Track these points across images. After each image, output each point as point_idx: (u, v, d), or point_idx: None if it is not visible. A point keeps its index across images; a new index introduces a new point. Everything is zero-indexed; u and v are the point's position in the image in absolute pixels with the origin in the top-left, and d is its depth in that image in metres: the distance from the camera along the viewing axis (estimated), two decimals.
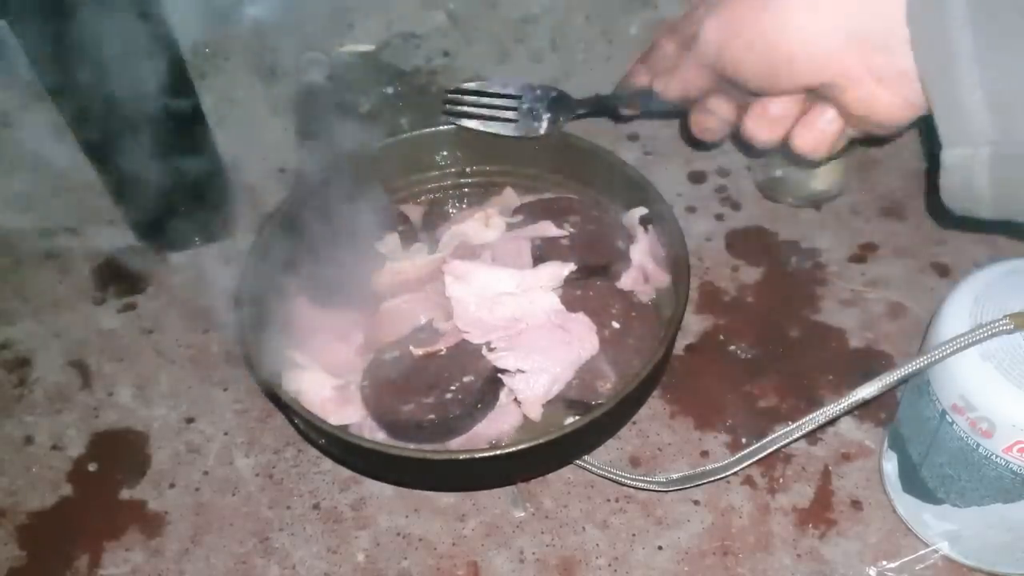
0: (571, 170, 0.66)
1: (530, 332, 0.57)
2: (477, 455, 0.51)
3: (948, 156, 0.36)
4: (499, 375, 0.56)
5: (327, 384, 0.56)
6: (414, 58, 0.85)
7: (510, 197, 0.67)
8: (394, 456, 0.51)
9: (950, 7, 0.34)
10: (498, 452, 0.50)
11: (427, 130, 0.67)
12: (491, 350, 0.56)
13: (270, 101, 0.81)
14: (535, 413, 0.55)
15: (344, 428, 0.54)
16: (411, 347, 0.57)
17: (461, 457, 0.52)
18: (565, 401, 0.56)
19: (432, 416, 0.54)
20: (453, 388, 0.55)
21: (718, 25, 0.44)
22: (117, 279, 0.71)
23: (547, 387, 0.55)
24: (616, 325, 0.58)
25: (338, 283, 0.61)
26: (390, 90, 0.82)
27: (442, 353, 0.57)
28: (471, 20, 0.88)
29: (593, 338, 0.56)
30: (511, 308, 0.57)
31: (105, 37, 0.59)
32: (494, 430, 0.56)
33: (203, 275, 0.70)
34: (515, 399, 0.56)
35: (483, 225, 0.64)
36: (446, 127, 0.67)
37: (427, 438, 0.54)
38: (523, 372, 0.55)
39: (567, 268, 0.58)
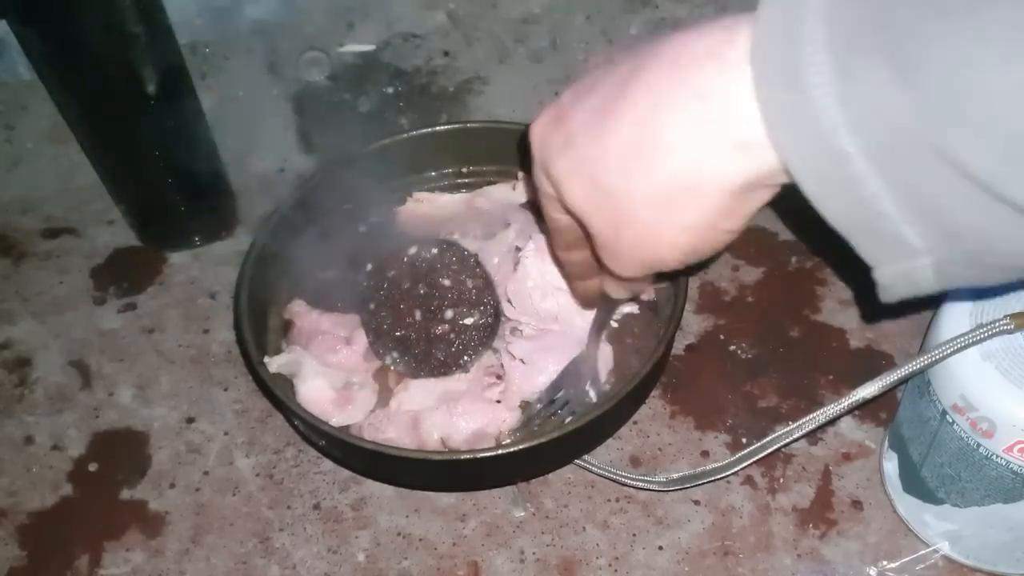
0: None
1: (555, 336, 0.57)
2: (478, 455, 0.51)
3: (883, 275, 0.31)
4: (498, 350, 0.58)
5: (328, 385, 0.56)
6: (414, 58, 0.85)
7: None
8: (393, 456, 0.51)
9: (847, 160, 0.27)
10: (498, 452, 0.51)
11: (425, 130, 0.67)
12: (513, 332, 0.57)
13: (270, 101, 0.81)
14: (512, 405, 0.56)
15: (345, 429, 0.54)
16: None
17: (462, 457, 0.52)
18: (562, 401, 0.57)
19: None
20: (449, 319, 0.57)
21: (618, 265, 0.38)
22: (117, 279, 0.71)
23: (538, 388, 0.56)
24: (614, 325, 0.59)
25: (340, 285, 0.61)
26: (390, 90, 0.82)
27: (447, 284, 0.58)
28: (471, 20, 0.88)
29: (603, 373, 0.57)
30: (557, 307, 0.58)
31: (105, 37, 0.59)
32: (492, 428, 0.56)
33: (203, 275, 0.70)
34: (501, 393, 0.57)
35: (511, 189, 0.66)
36: (443, 127, 0.67)
37: (408, 353, 0.57)
38: (524, 364, 0.55)
39: (632, 306, 0.59)
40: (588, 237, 0.38)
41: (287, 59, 0.83)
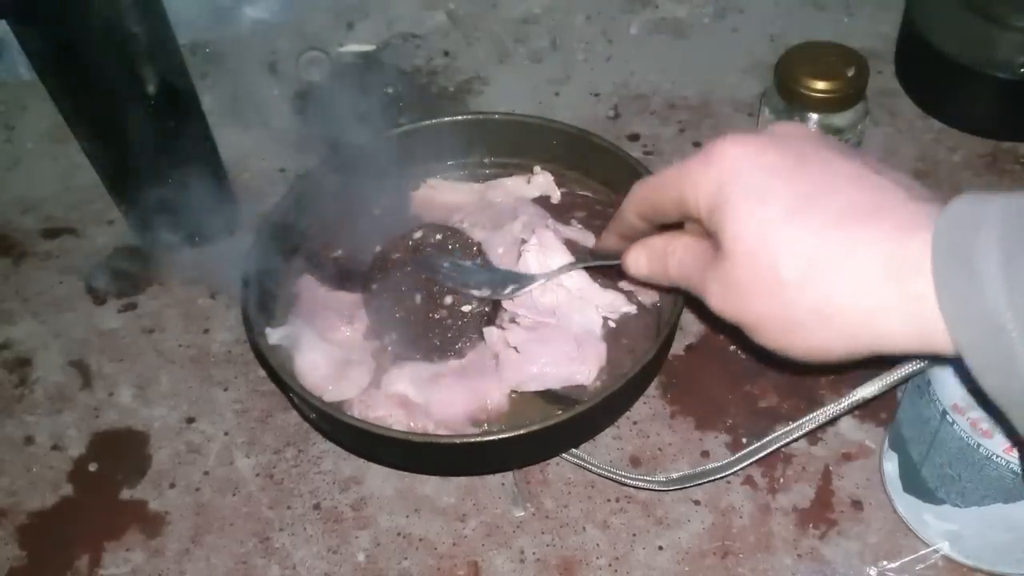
0: (588, 167, 0.67)
1: (552, 329, 0.57)
2: (456, 440, 0.52)
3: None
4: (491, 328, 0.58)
5: (325, 360, 0.57)
6: (414, 58, 0.85)
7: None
8: (378, 435, 0.51)
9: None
10: (483, 439, 0.51)
11: (446, 119, 0.67)
12: (511, 321, 0.58)
13: (270, 101, 0.81)
14: (500, 393, 0.56)
15: (337, 405, 0.55)
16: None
17: (443, 441, 0.52)
18: (551, 396, 0.57)
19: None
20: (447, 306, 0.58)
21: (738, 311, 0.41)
22: (117, 279, 0.71)
23: (527, 378, 0.56)
24: (612, 325, 0.59)
25: (348, 264, 0.61)
26: (390, 90, 0.83)
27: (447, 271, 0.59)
28: (471, 20, 0.88)
29: (594, 372, 0.57)
30: (556, 301, 0.58)
31: (105, 37, 0.59)
32: (474, 404, 0.56)
33: (203, 275, 0.70)
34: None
35: (525, 182, 0.66)
36: (466, 117, 0.68)
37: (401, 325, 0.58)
38: (518, 353, 0.56)
39: (630, 307, 0.60)
40: (698, 253, 0.40)
41: (287, 59, 0.83)
